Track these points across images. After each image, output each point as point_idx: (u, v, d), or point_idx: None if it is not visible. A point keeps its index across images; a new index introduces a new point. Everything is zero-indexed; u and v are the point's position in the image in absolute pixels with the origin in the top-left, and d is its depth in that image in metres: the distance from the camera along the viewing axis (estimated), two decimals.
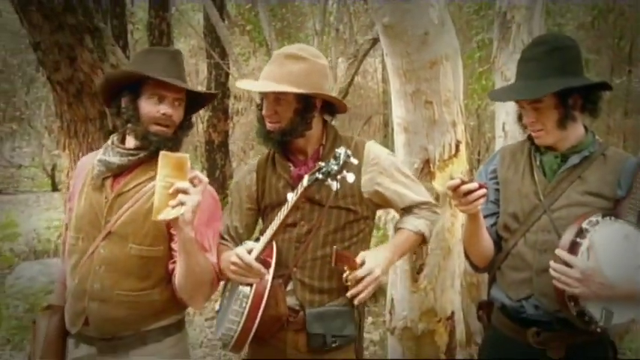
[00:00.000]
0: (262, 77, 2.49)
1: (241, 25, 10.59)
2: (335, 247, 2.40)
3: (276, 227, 2.32)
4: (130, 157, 2.39)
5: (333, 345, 2.47)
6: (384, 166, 2.54)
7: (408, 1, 3.24)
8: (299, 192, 2.24)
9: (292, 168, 2.54)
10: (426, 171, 3.62)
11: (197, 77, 13.75)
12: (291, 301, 2.47)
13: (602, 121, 9.33)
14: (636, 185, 2.22)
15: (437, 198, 3.65)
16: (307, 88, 2.42)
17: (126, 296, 2.33)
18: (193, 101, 2.52)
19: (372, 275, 2.33)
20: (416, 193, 2.58)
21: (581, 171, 2.31)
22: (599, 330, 2.22)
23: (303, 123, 2.47)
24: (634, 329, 4.44)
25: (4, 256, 8.55)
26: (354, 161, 2.19)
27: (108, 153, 2.44)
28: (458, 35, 3.65)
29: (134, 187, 2.38)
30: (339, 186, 2.17)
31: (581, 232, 2.19)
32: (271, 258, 2.37)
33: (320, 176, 2.17)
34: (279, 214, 2.32)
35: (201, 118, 10.84)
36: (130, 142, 2.44)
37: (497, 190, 2.51)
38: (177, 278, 2.31)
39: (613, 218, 2.23)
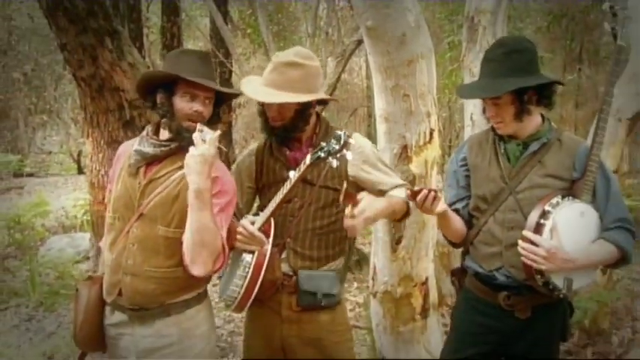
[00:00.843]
0: (265, 84, 2.46)
1: (243, 28, 10.50)
2: (345, 186, 2.41)
3: (278, 200, 2.33)
4: (163, 148, 2.36)
5: (322, 304, 2.49)
6: (368, 155, 2.54)
7: (388, 7, 3.23)
8: (302, 169, 2.24)
9: (288, 152, 2.54)
10: (404, 156, 3.62)
11: None
12: (284, 267, 2.50)
13: (556, 112, 9.34)
14: (589, 167, 2.22)
15: (413, 179, 3.66)
16: (306, 92, 2.41)
17: (154, 272, 2.32)
18: (219, 96, 2.48)
19: (363, 215, 2.30)
20: (394, 179, 2.58)
21: (541, 156, 2.31)
22: (562, 296, 2.25)
23: (302, 120, 2.48)
24: (581, 291, 4.45)
25: (37, 230, 8.51)
26: (352, 141, 2.19)
27: (143, 144, 2.41)
28: (431, 37, 3.63)
29: (164, 174, 2.36)
30: (338, 163, 2.18)
31: (544, 214, 2.20)
32: (270, 230, 2.38)
33: (322, 154, 2.18)
34: (282, 189, 2.33)
35: None
36: (164, 134, 2.41)
37: (467, 176, 2.51)
38: (185, 236, 2.25)
39: (571, 198, 2.24)
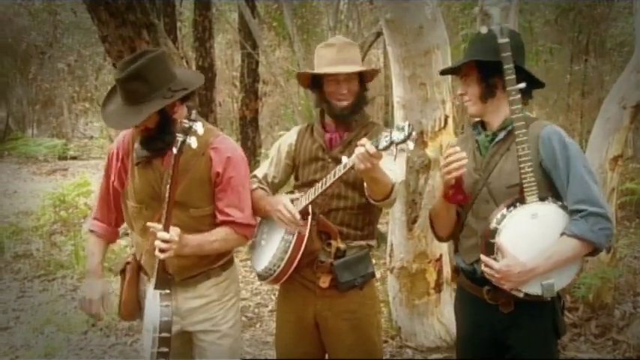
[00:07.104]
0: (331, 63, 2.42)
1: (269, 22, 10.46)
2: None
3: (329, 183, 2.27)
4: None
5: (361, 284, 2.46)
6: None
7: (406, 0, 3.21)
8: (371, 150, 2.02)
9: (325, 134, 2.52)
10: (420, 141, 3.61)
11: (232, 65, 13.66)
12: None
13: (563, 101, 9.22)
14: (522, 169, 2.05)
15: (429, 162, 3.64)
16: (365, 67, 2.45)
17: None
18: None
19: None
20: (395, 176, 2.34)
21: (509, 144, 2.16)
22: (548, 299, 2.09)
23: (364, 99, 2.47)
24: (586, 268, 4.41)
25: (80, 208, 8.58)
26: (414, 134, 2.02)
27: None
28: (446, 29, 3.60)
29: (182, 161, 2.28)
30: (395, 154, 2.03)
31: (493, 233, 2.05)
32: (309, 212, 2.35)
33: (386, 143, 2.01)
34: (333, 171, 2.25)
35: (235, 98, 10.80)
36: None
37: None
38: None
39: (517, 205, 2.06)
